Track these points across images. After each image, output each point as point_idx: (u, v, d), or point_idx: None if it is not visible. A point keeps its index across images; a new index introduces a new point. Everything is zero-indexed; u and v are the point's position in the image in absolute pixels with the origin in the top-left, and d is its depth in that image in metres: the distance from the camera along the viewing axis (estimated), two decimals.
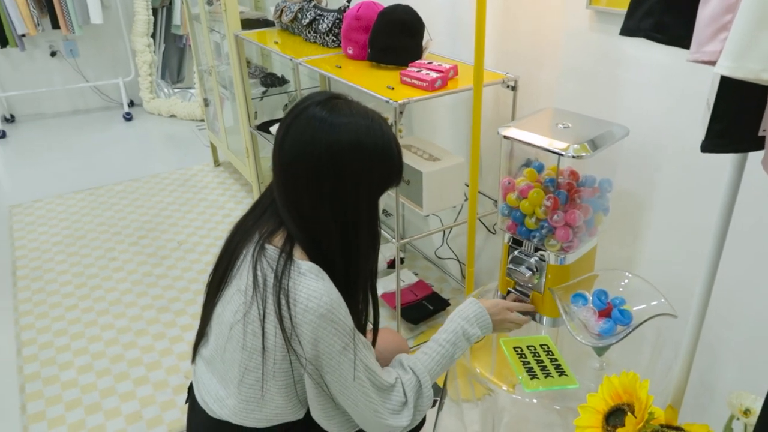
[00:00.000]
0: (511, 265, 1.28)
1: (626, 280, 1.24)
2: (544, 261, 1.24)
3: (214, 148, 3.46)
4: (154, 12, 4.27)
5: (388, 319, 2.12)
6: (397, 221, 1.77)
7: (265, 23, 2.71)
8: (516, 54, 1.69)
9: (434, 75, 1.61)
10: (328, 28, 2.13)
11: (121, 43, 4.32)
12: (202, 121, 4.00)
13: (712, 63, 0.56)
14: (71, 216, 2.92)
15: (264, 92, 2.89)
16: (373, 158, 0.94)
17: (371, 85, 1.67)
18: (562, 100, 1.57)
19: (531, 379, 1.18)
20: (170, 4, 4.36)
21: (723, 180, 0.83)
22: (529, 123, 1.25)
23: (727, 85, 0.59)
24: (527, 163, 1.32)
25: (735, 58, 0.50)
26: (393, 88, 1.64)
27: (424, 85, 1.61)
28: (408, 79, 1.66)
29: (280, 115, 2.92)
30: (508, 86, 1.68)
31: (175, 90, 4.52)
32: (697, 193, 1.29)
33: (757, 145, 0.65)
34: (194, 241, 2.69)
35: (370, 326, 1.13)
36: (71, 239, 2.72)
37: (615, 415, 0.92)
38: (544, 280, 1.26)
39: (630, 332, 1.09)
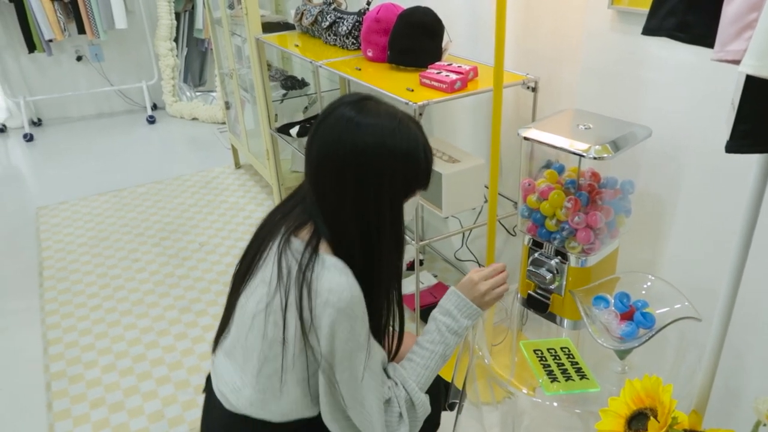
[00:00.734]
0: (531, 268, 1.27)
1: (649, 283, 1.23)
2: (565, 263, 1.23)
3: (235, 151, 3.50)
4: (177, 16, 4.33)
5: (407, 321, 2.11)
6: (416, 223, 1.76)
7: (286, 26, 2.73)
8: (536, 55, 1.68)
9: (454, 77, 1.61)
10: (348, 31, 2.14)
11: (145, 47, 4.38)
12: (224, 123, 4.04)
13: (737, 62, 0.55)
14: (95, 217, 2.97)
15: (284, 95, 2.92)
16: (396, 160, 0.94)
17: (391, 87, 1.67)
18: (583, 100, 1.55)
19: (551, 382, 1.17)
20: (192, 8, 4.42)
21: (748, 180, 0.81)
22: (549, 124, 1.25)
23: (752, 84, 0.58)
24: (547, 165, 1.31)
25: (760, 56, 0.49)
26: (413, 90, 1.64)
27: (444, 86, 1.60)
28: (427, 81, 1.66)
29: (301, 117, 2.94)
30: (528, 87, 1.67)
31: (197, 93, 4.58)
32: (722, 193, 1.27)
33: None
34: (215, 242, 2.72)
35: (392, 330, 1.13)
36: (95, 240, 2.77)
37: (637, 419, 0.90)
38: (564, 282, 1.25)
39: (653, 336, 1.08)
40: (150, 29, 4.29)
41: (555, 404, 1.15)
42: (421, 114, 1.58)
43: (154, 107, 4.51)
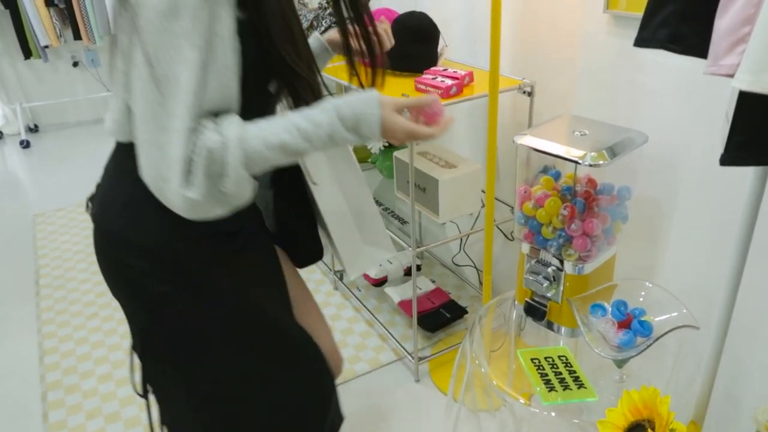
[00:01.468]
0: (528, 275, 1.26)
1: (646, 290, 1.22)
2: (562, 271, 1.22)
3: None
4: None
5: (405, 328, 2.10)
6: (413, 228, 1.75)
7: None
8: (532, 59, 1.67)
9: (449, 82, 1.60)
10: None
11: None
12: None
13: (730, 76, 0.54)
14: (92, 225, 2.95)
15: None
16: None
17: (386, 93, 1.65)
18: (579, 105, 1.55)
19: (549, 391, 1.16)
20: None
21: (746, 186, 0.80)
22: (545, 130, 1.24)
23: (746, 97, 0.57)
24: (544, 170, 1.30)
25: (753, 71, 0.48)
26: (408, 96, 1.62)
27: (439, 92, 1.59)
28: (423, 87, 1.65)
29: None
30: (524, 92, 1.66)
31: None
32: (719, 199, 1.26)
33: None
34: None
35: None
36: (92, 248, 2.74)
37: (635, 430, 0.89)
38: (561, 289, 1.24)
39: (650, 345, 1.07)
40: None
41: (553, 414, 1.14)
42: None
43: None
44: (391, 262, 2.23)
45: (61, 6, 3.85)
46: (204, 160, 0.75)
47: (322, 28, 2.22)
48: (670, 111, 1.31)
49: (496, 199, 1.87)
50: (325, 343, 1.21)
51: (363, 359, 1.98)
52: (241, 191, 0.80)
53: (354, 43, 1.01)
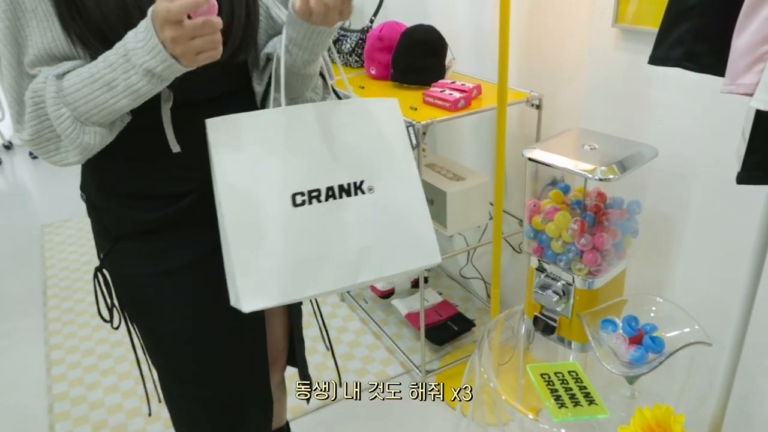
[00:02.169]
0: (537, 290, 1.25)
1: (657, 306, 1.20)
2: (572, 285, 1.21)
3: None
4: None
5: (413, 340, 2.09)
6: None
7: None
8: (540, 72, 1.67)
9: (457, 95, 1.60)
10: (351, 49, 2.14)
11: None
12: None
13: (749, 95, 0.53)
14: None
15: None
16: None
17: None
18: (587, 118, 1.54)
19: (559, 407, 1.14)
20: None
21: (758, 202, 0.79)
22: (554, 144, 1.23)
23: (763, 117, 0.57)
24: (553, 183, 1.30)
25: None
26: (416, 109, 1.63)
27: (447, 105, 1.60)
28: (431, 99, 1.65)
29: None
30: (532, 105, 1.66)
31: None
32: (732, 214, 1.25)
33: None
34: None
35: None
36: None
37: None
38: (571, 304, 1.23)
39: (662, 362, 1.06)
40: None
41: (563, 431, 1.13)
42: (424, 133, 1.57)
43: None
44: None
45: None
46: (30, 101, 0.78)
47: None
48: (680, 125, 1.30)
49: (504, 211, 1.86)
50: (273, 330, 1.21)
51: (370, 372, 1.97)
52: (67, 133, 0.78)
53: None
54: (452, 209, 1.71)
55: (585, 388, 1.19)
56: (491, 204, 1.82)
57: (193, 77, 0.79)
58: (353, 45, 2.13)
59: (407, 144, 0.91)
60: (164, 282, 0.98)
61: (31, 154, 4.11)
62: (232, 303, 0.82)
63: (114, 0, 0.79)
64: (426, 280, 2.42)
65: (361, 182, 0.86)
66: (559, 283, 1.23)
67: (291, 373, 1.31)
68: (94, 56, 0.79)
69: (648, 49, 1.33)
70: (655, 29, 1.28)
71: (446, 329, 2.05)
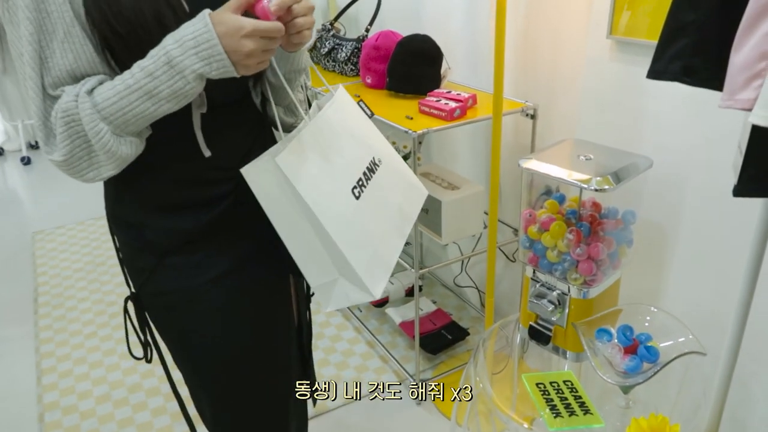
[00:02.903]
0: (532, 299, 1.26)
1: (651, 315, 1.21)
2: (567, 295, 1.22)
3: None
4: None
5: (407, 349, 2.09)
6: (415, 249, 1.75)
7: None
8: (535, 82, 1.69)
9: (453, 104, 1.61)
10: (346, 57, 2.14)
11: None
12: None
13: (747, 110, 0.54)
14: (92, 242, 2.95)
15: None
16: None
17: (390, 115, 1.67)
18: (582, 129, 1.55)
19: (554, 417, 1.15)
20: None
21: (752, 213, 0.80)
22: (550, 155, 1.24)
23: (761, 131, 0.57)
24: (548, 192, 1.31)
25: None
26: (412, 118, 1.63)
27: (443, 114, 1.60)
28: (427, 109, 1.66)
29: None
30: (527, 115, 1.67)
31: None
32: (726, 224, 1.26)
33: None
34: None
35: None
36: (92, 266, 2.74)
37: None
38: (567, 313, 1.23)
39: (657, 371, 1.06)
40: None
41: None
42: (420, 142, 1.57)
43: None
44: (392, 283, 2.22)
45: None
46: (60, 121, 0.77)
47: (325, 50, 2.24)
48: (675, 135, 1.32)
49: (499, 220, 1.87)
50: None
51: (364, 380, 1.97)
52: (107, 148, 0.78)
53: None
54: (447, 218, 1.71)
55: (580, 397, 1.19)
56: (486, 213, 1.83)
57: (222, 83, 0.83)
58: (348, 54, 2.14)
59: (366, 117, 1.06)
60: (212, 291, 0.98)
61: (22, 159, 4.09)
62: (333, 306, 0.90)
63: (148, 6, 0.79)
64: (420, 288, 2.42)
65: (373, 158, 0.97)
66: (554, 293, 1.23)
67: None
68: (120, 69, 0.80)
69: (642, 61, 1.35)
70: (650, 41, 1.30)
71: (440, 338, 2.05)
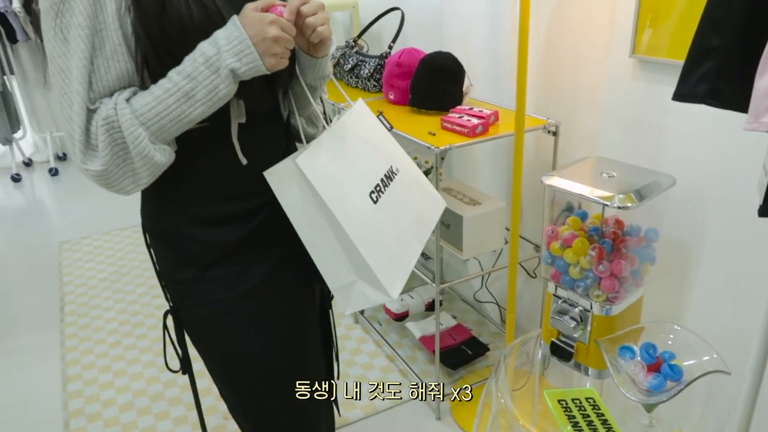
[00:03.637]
0: (554, 315, 1.26)
1: (675, 333, 1.21)
2: (589, 311, 1.22)
3: None
4: None
5: (427, 364, 2.09)
6: (436, 264, 1.76)
7: None
8: (557, 100, 1.70)
9: (475, 121, 1.63)
10: (369, 74, 2.18)
11: None
12: None
13: None
14: (117, 252, 3.00)
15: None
16: None
17: (413, 131, 1.69)
18: (604, 146, 1.56)
19: None
20: None
21: None
22: (572, 172, 1.25)
23: None
24: (569, 209, 1.31)
25: None
26: (434, 134, 1.65)
27: (465, 131, 1.62)
28: (449, 125, 1.67)
29: None
30: (549, 132, 1.68)
31: None
32: (750, 242, 1.26)
33: None
34: None
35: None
36: (116, 275, 2.79)
37: None
38: (589, 330, 1.23)
39: (681, 390, 1.06)
40: None
41: None
42: (442, 158, 1.59)
43: None
44: (412, 297, 2.23)
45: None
46: (102, 129, 0.79)
47: (348, 66, 2.27)
48: (697, 154, 1.32)
49: (520, 236, 1.87)
50: None
51: (383, 395, 1.97)
52: (144, 153, 0.81)
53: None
54: (468, 233, 1.72)
55: (603, 415, 1.19)
56: (507, 229, 1.84)
57: (258, 94, 0.88)
58: (372, 70, 2.17)
59: (385, 129, 1.09)
60: (251, 301, 1.00)
61: (50, 170, 4.18)
62: (352, 308, 0.93)
63: (199, 16, 0.83)
64: (441, 303, 2.43)
65: (391, 167, 1.01)
66: (576, 309, 1.23)
67: None
68: (156, 80, 0.83)
69: (665, 80, 1.36)
70: (672, 60, 1.31)
71: (460, 353, 2.05)
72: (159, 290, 2.59)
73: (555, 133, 1.68)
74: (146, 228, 1.03)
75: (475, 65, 1.97)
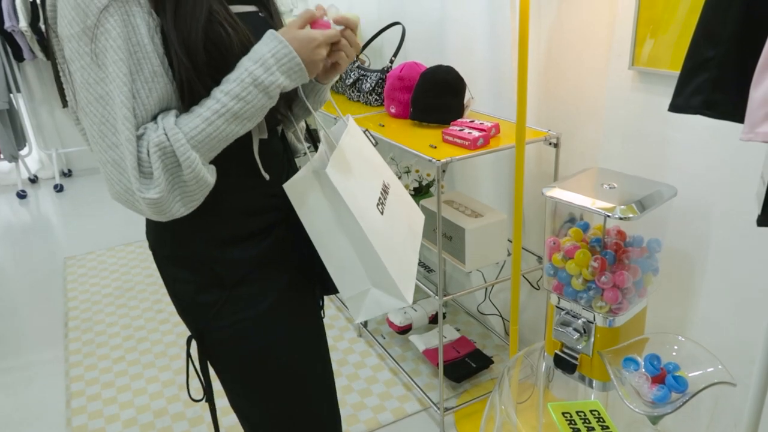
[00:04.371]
0: (558, 327, 1.26)
1: (679, 345, 1.20)
2: (592, 323, 1.21)
3: None
4: None
5: (431, 377, 2.08)
6: (439, 277, 1.76)
7: None
8: (558, 112, 1.71)
9: (476, 134, 1.64)
10: (371, 88, 2.19)
11: None
12: None
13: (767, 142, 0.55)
14: (121, 268, 3.01)
15: (308, 147, 2.96)
16: None
17: (414, 144, 1.70)
18: (605, 158, 1.56)
19: None
20: None
21: None
22: (573, 183, 1.25)
23: None
24: (571, 220, 1.31)
25: None
26: (435, 147, 1.66)
27: (467, 143, 1.63)
28: (450, 138, 1.68)
29: None
30: (550, 143, 1.69)
31: None
32: (752, 252, 1.25)
33: None
34: None
35: None
36: (120, 291, 2.80)
37: None
38: (592, 342, 1.23)
39: (686, 401, 1.05)
40: None
41: None
42: (444, 170, 1.59)
43: None
44: (416, 310, 2.22)
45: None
46: (155, 156, 0.77)
47: (350, 81, 2.29)
48: (698, 164, 1.32)
49: (522, 248, 1.87)
50: None
51: (387, 409, 1.96)
52: (199, 176, 0.81)
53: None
54: (471, 246, 1.72)
55: (608, 427, 1.18)
56: (509, 241, 1.84)
57: (274, 110, 0.90)
58: (373, 84, 2.19)
59: (371, 144, 1.12)
60: (276, 315, 0.99)
61: (55, 187, 4.21)
62: (364, 316, 0.93)
63: (236, 38, 0.84)
64: (444, 316, 2.42)
65: (384, 181, 1.04)
66: (579, 321, 1.23)
67: None
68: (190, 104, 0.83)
69: (665, 91, 1.36)
70: (672, 71, 1.31)
71: (464, 366, 2.04)
72: (163, 305, 2.61)
73: (556, 145, 1.68)
74: (161, 254, 1.00)
75: (476, 78, 1.99)
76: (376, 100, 2.20)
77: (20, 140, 4.21)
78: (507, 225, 1.77)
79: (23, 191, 4.15)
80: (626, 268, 1.19)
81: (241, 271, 0.96)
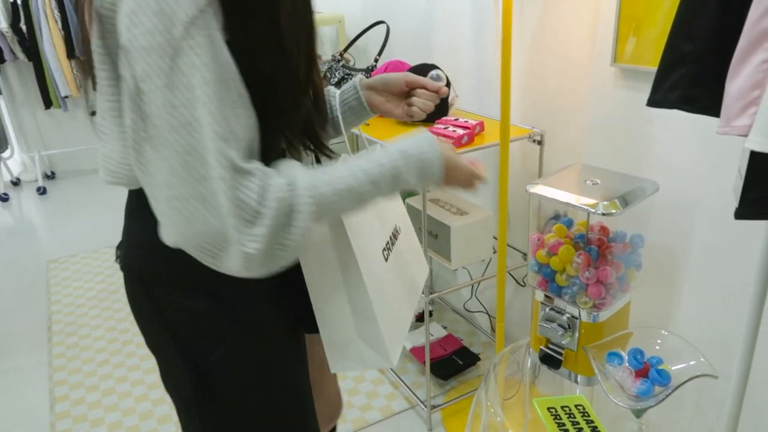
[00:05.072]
0: (542, 323, 1.26)
1: (662, 338, 1.21)
2: (577, 318, 1.22)
3: None
4: None
5: (418, 375, 2.08)
6: None
7: None
8: (542, 109, 1.72)
9: (461, 132, 1.64)
10: None
11: None
12: None
13: (743, 135, 0.56)
14: (105, 270, 2.98)
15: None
16: None
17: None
18: (589, 154, 1.57)
19: None
20: None
21: (760, 235, 0.81)
22: (557, 180, 1.26)
23: (758, 156, 0.59)
24: (556, 217, 1.32)
25: (765, 133, 0.50)
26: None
27: (451, 141, 1.63)
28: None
29: None
30: (534, 141, 1.70)
31: None
32: (734, 246, 1.27)
33: None
34: None
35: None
36: (105, 293, 2.77)
37: None
38: (577, 337, 1.23)
39: (669, 394, 1.06)
40: None
41: None
42: None
43: None
44: None
45: (82, 58, 3.98)
46: (273, 212, 0.66)
47: (335, 80, 2.28)
48: (680, 159, 1.33)
49: (508, 245, 1.88)
50: (331, 387, 1.24)
51: (375, 407, 1.96)
52: (302, 244, 0.70)
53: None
54: (456, 243, 1.72)
55: (592, 422, 1.19)
56: (495, 238, 1.84)
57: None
58: None
59: None
60: (281, 343, 0.93)
61: (38, 189, 4.16)
62: (342, 368, 0.88)
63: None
64: (431, 314, 2.42)
65: (395, 225, 0.98)
66: (564, 317, 1.24)
67: None
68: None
69: (647, 88, 1.37)
70: (652, 68, 1.32)
71: (451, 363, 2.04)
72: None
73: (540, 142, 1.69)
74: (151, 277, 0.85)
75: (461, 77, 1.99)
76: None
77: (2, 143, 4.16)
78: (492, 222, 1.77)
79: (5, 194, 4.10)
80: (609, 263, 1.20)
81: (247, 299, 0.86)
